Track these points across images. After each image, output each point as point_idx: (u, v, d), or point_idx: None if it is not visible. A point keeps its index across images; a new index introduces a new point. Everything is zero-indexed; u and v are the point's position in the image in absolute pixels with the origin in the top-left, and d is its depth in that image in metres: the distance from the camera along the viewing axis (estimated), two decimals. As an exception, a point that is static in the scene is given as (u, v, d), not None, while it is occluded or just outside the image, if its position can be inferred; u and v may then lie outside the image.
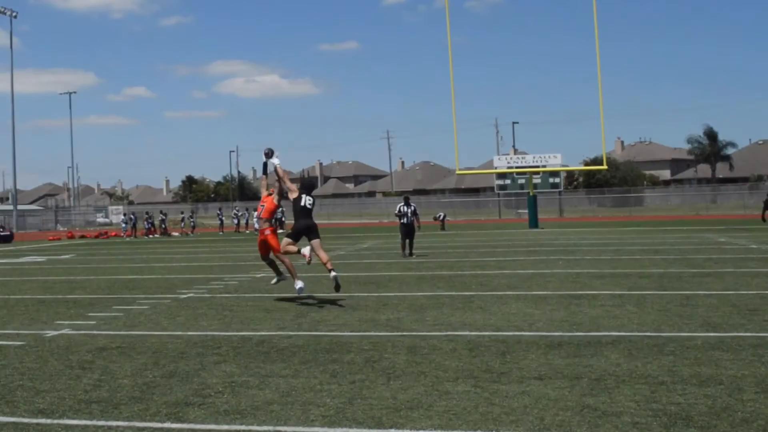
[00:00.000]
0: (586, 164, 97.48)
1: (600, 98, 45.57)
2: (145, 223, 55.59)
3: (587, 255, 23.40)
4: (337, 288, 13.80)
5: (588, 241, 31.60)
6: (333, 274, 13.72)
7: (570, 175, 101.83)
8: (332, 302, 13.84)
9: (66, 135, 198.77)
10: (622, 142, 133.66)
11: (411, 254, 24.76)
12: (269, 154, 14.30)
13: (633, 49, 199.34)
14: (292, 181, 14.81)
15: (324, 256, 13.85)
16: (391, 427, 6.26)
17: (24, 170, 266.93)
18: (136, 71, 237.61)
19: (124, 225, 55.77)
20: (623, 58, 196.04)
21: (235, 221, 58.47)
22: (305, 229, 14.05)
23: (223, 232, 56.79)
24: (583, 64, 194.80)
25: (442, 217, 49.86)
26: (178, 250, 33.99)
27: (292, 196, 14.22)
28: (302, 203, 14.14)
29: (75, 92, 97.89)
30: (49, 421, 6.72)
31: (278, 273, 14.86)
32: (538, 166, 49.91)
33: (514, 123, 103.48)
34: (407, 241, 24.95)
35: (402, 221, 25.09)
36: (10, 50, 74.18)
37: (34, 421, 6.74)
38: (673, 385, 7.28)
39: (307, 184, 14.45)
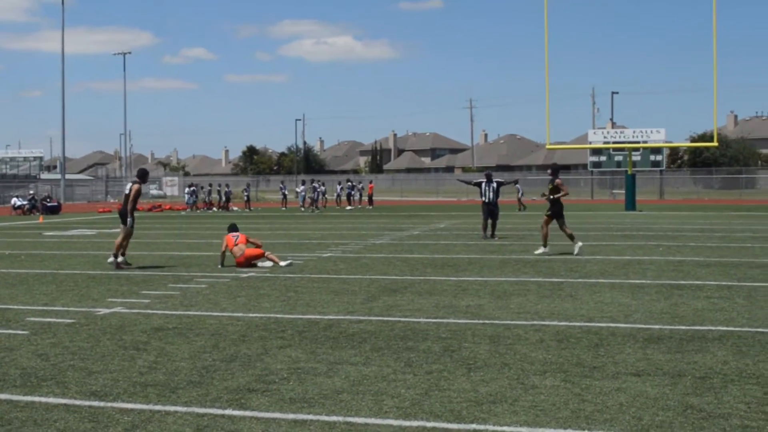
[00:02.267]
0: (693, 140, 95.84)
1: (714, 66, 44.79)
2: (212, 195, 56.53)
3: (690, 241, 23.10)
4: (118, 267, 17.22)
5: (691, 226, 31.19)
6: (111, 259, 17.50)
7: (674, 152, 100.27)
8: (406, 287, 13.93)
9: (119, 99, 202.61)
10: (736, 117, 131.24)
11: (493, 236, 24.72)
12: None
13: (752, 11, 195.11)
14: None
15: (118, 242, 17.52)
16: (471, 422, 6.31)
17: (73, 137, 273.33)
18: (195, 31, 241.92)
19: (188, 197, 56.43)
20: (740, 21, 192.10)
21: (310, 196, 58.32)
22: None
23: (286, 207, 57.23)
24: (694, 27, 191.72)
25: (520, 193, 48.34)
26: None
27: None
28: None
29: (130, 53, 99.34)
30: (102, 403, 6.91)
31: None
32: (638, 142, 49.20)
33: (613, 93, 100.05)
34: (490, 221, 24.90)
35: (484, 200, 25.01)
36: (61, 6, 75.56)
37: (87, 403, 6.94)
38: (788, 387, 7.19)
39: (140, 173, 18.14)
